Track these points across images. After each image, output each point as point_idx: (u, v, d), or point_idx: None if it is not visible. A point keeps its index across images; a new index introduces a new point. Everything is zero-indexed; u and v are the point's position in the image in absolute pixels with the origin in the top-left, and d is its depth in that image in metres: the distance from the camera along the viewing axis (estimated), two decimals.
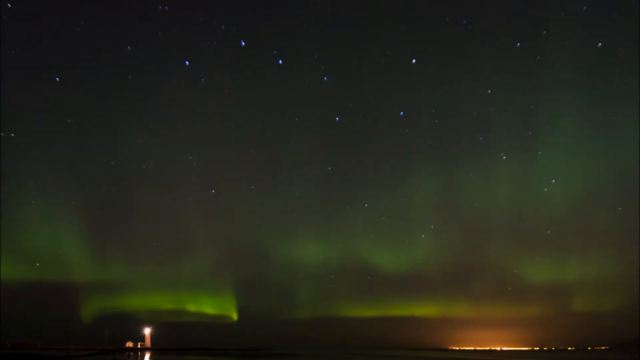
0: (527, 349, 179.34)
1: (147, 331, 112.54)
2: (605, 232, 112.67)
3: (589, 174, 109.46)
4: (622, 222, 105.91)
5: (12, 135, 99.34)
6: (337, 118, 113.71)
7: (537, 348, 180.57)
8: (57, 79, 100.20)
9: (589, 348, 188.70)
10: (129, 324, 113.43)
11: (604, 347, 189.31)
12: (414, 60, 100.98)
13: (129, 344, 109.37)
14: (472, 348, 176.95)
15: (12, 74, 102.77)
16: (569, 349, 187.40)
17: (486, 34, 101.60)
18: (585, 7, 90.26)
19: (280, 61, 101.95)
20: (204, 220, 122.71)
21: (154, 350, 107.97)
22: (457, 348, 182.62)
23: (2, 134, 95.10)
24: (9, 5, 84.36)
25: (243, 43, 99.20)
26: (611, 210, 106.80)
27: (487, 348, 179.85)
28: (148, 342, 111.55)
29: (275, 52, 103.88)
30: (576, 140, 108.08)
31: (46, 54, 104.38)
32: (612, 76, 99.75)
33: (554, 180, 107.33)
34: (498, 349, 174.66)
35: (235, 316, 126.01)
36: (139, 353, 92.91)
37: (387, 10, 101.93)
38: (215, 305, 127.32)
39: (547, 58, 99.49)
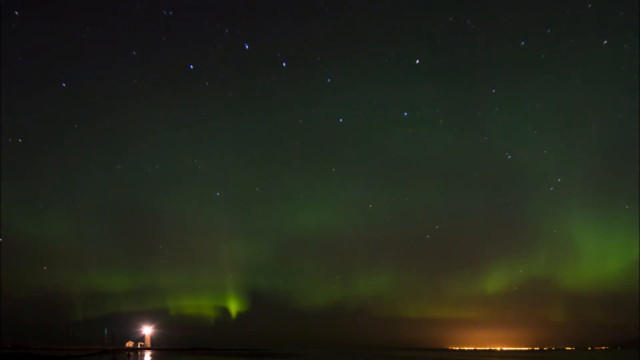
0: (527, 348, 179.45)
1: (147, 331, 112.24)
2: (609, 231, 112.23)
3: (596, 173, 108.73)
4: (628, 220, 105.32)
5: (20, 140, 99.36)
6: (340, 119, 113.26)
7: (537, 348, 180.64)
8: (64, 84, 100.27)
9: (589, 348, 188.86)
10: (129, 324, 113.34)
11: (604, 347, 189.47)
12: (417, 61, 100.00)
13: (129, 344, 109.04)
14: (472, 348, 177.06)
15: (19, 80, 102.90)
16: (569, 349, 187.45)
17: (490, 33, 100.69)
18: (590, 5, 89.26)
19: (284, 64, 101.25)
20: (208, 223, 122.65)
21: (154, 350, 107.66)
22: (457, 348, 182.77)
23: (9, 139, 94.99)
24: (15, 12, 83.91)
25: (247, 46, 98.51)
26: (617, 209, 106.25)
27: (487, 348, 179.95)
28: (148, 342, 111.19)
29: (279, 54, 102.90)
30: (582, 138, 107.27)
31: (53, 60, 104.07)
32: (618, 74, 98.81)
33: (559, 179, 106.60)
34: (498, 349, 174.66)
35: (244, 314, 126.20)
36: (139, 353, 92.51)
37: (390, 11, 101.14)
38: (218, 306, 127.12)
39: (551, 56, 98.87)
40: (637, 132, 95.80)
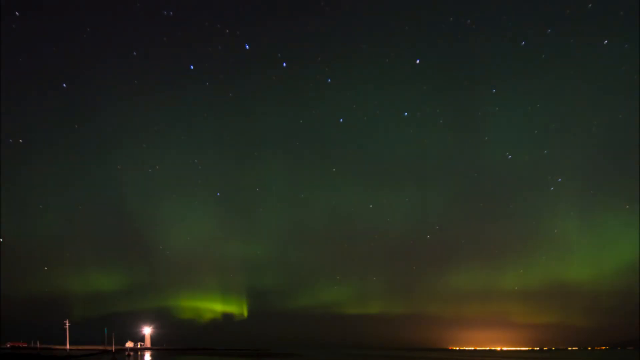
0: (527, 348, 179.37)
1: (147, 331, 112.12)
2: (609, 230, 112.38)
3: (596, 173, 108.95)
4: (628, 220, 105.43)
5: (20, 141, 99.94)
6: (340, 119, 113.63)
7: (537, 348, 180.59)
8: (64, 85, 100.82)
9: (589, 348, 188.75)
10: (129, 324, 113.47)
11: (604, 347, 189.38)
12: (417, 61, 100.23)
13: (129, 344, 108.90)
14: (472, 348, 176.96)
15: (20, 81, 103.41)
16: (569, 349, 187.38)
17: (490, 33, 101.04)
18: (590, 5, 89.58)
19: (285, 64, 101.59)
20: (208, 223, 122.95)
21: (154, 350, 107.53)
22: (457, 348, 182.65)
23: (9, 139, 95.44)
24: (16, 13, 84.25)
25: (247, 47, 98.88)
26: (617, 209, 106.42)
27: (487, 348, 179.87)
28: (148, 342, 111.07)
29: (279, 55, 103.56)
30: (582, 138, 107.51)
31: (53, 60, 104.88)
32: (618, 73, 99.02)
33: (560, 179, 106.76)
34: (498, 349, 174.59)
35: (244, 314, 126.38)
36: (139, 353, 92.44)
37: (390, 11, 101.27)
38: (219, 307, 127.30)
39: (552, 56, 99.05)
40: (637, 132, 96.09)
